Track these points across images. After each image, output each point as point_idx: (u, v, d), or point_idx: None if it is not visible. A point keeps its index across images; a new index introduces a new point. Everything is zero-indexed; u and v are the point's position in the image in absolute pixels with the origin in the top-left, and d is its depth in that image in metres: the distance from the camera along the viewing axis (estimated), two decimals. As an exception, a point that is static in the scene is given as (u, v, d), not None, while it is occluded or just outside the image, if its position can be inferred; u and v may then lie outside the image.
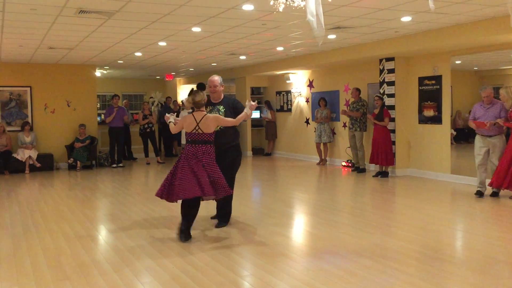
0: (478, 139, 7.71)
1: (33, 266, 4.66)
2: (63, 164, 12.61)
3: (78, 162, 12.20)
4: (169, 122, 5.73)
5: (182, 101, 14.72)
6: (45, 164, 12.09)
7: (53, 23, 7.26)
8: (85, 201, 8.23)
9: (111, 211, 7.42)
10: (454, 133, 9.71)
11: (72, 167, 12.32)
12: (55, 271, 4.53)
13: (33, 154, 11.86)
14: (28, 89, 12.53)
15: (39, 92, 12.65)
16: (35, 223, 6.49)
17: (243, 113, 5.66)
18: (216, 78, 6.03)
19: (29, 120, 12.46)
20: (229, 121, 5.63)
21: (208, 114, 5.54)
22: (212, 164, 5.44)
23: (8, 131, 11.94)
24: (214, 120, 5.49)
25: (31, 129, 12.27)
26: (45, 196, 8.65)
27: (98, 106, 15.25)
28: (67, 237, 5.72)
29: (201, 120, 5.44)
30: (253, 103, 5.67)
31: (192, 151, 5.42)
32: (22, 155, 11.73)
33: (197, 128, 5.43)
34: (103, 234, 6.03)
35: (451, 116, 9.56)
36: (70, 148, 12.43)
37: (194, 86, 6.18)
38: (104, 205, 8.05)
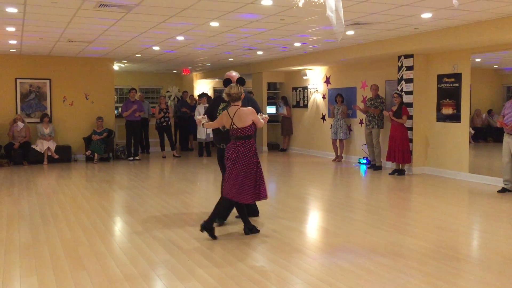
0: (504, 137, 7.74)
1: (51, 256, 4.73)
2: (81, 156, 12.76)
3: (96, 154, 12.37)
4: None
5: (198, 96, 14.77)
6: (63, 156, 12.26)
7: (73, 16, 7.33)
8: (102, 192, 8.32)
9: (127, 203, 7.49)
10: (472, 131, 9.59)
11: (89, 159, 12.47)
12: (73, 261, 4.59)
13: (52, 145, 12.02)
14: (48, 81, 12.68)
15: (58, 85, 12.80)
16: (53, 213, 6.59)
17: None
18: (234, 74, 5.89)
19: (48, 112, 12.62)
20: (260, 122, 5.38)
21: (242, 108, 5.29)
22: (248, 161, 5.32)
23: (28, 122, 12.11)
24: (249, 114, 5.26)
25: (50, 121, 12.42)
26: (63, 187, 8.76)
27: (115, 99, 15.37)
28: (85, 228, 5.80)
29: (234, 114, 5.26)
30: (265, 116, 5.54)
31: (233, 147, 5.30)
32: (41, 146, 11.90)
33: (232, 123, 5.27)
34: (119, 226, 6.10)
35: (470, 114, 9.45)
36: (87, 140, 12.58)
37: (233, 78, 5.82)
38: (120, 197, 8.13)
